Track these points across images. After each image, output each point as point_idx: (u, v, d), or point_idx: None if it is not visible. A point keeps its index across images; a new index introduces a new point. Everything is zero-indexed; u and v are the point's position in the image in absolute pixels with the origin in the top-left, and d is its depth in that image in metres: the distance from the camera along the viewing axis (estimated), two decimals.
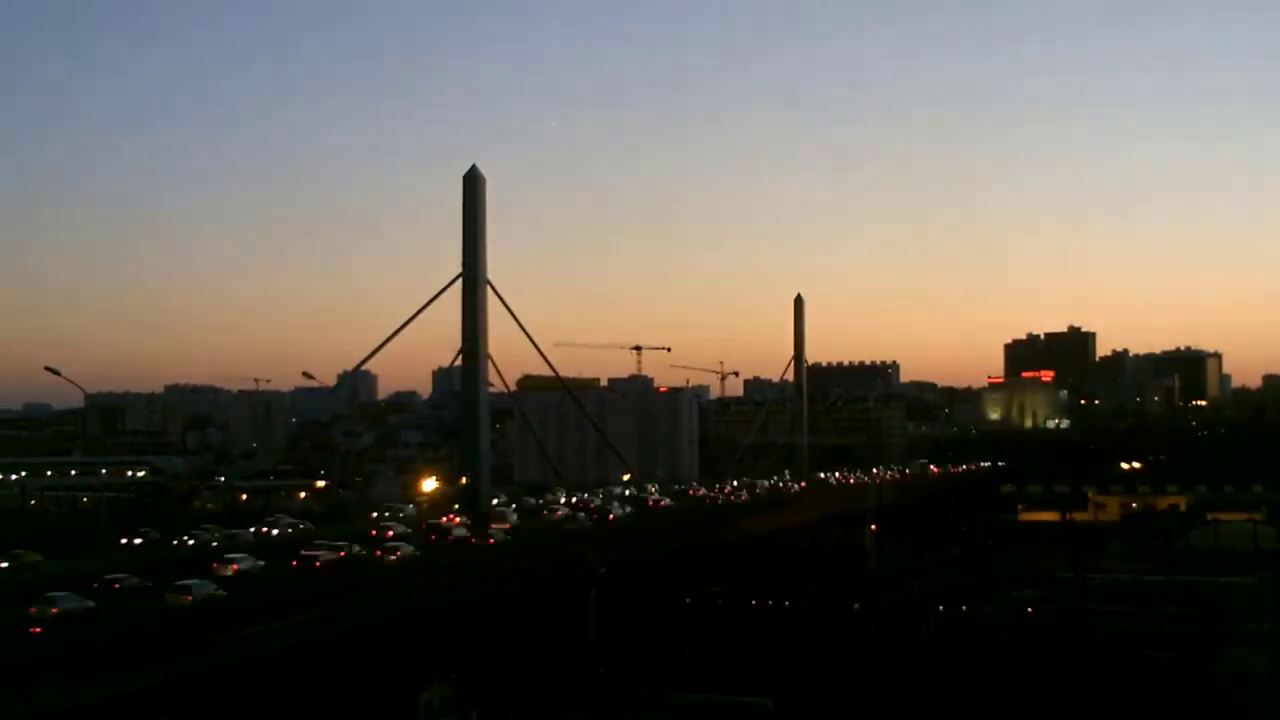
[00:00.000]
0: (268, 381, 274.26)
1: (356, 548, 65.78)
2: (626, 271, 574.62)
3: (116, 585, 51.52)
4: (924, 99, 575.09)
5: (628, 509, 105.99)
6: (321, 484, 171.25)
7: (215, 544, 72.17)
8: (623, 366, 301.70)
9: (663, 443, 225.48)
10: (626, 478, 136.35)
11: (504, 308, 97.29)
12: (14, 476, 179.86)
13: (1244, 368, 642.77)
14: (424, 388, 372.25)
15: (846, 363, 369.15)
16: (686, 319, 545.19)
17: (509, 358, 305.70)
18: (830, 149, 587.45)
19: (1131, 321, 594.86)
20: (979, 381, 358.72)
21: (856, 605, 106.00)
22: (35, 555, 63.04)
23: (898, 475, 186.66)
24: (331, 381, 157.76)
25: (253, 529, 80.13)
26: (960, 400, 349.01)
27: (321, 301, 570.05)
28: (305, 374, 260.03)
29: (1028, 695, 62.66)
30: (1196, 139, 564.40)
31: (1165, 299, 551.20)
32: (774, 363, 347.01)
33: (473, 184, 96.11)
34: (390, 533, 74.03)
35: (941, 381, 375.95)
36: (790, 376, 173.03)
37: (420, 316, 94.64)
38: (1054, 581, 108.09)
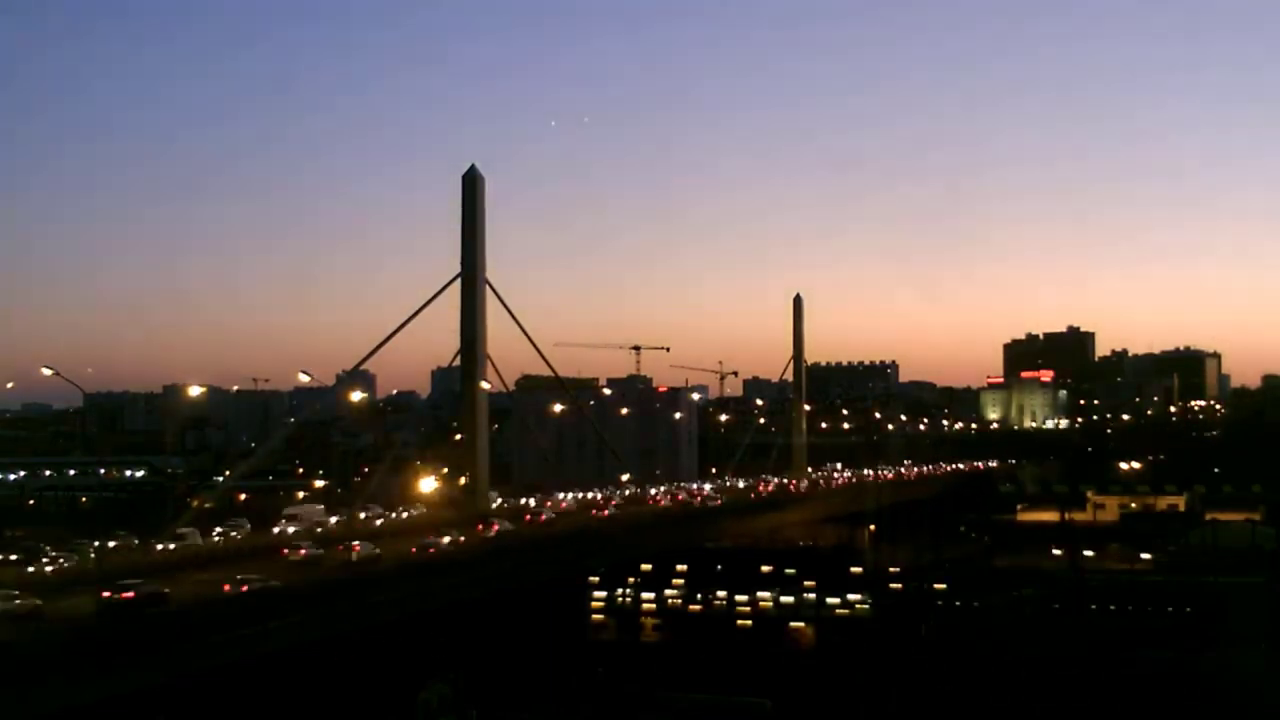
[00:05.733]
0: (266, 381, 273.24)
1: None
2: (626, 271, 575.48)
3: None
4: (924, 99, 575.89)
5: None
6: (320, 484, 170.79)
7: None
8: (622, 366, 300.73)
9: (662, 442, 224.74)
10: (625, 478, 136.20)
11: (503, 308, 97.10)
12: (13, 476, 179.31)
13: (1243, 368, 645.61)
14: (423, 388, 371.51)
15: (846, 363, 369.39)
16: (686, 319, 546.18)
17: (508, 358, 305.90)
18: (830, 149, 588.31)
19: (1131, 321, 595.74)
20: (978, 381, 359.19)
21: (856, 605, 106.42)
22: None
23: (896, 475, 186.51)
24: (331, 381, 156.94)
25: None
26: (959, 400, 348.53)
27: (321, 301, 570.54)
28: (304, 374, 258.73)
29: (1027, 694, 62.78)
30: (1196, 139, 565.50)
31: (1165, 299, 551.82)
32: (773, 363, 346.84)
33: (472, 184, 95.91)
34: None
35: (940, 381, 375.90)
36: (789, 376, 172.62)
37: (420, 316, 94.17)
38: (1053, 580, 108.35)
